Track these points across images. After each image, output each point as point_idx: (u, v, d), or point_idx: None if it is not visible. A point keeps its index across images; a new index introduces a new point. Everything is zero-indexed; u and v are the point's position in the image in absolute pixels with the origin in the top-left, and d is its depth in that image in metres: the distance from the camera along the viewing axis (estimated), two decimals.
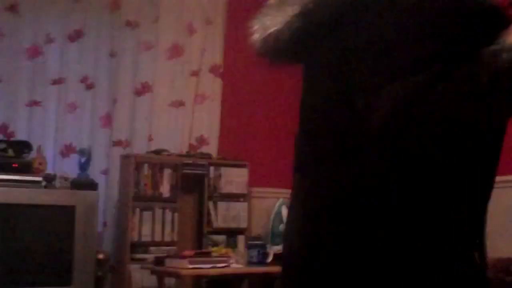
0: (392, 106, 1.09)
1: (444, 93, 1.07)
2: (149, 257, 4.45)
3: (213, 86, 5.01)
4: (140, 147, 4.89)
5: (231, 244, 4.84)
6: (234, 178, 4.93)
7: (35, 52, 4.78)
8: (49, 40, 4.82)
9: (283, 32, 1.22)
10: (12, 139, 4.57)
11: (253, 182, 5.06)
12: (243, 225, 4.96)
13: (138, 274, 4.47)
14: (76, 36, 4.91)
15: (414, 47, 1.10)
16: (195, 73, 4.92)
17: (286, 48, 1.25)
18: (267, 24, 1.25)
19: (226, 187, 4.90)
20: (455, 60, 1.08)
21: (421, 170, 1.13)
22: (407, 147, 1.12)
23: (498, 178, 1.23)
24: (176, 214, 4.69)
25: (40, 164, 4.36)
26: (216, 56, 4.99)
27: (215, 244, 4.75)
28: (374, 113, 1.10)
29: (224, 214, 4.88)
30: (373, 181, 1.14)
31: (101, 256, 4.36)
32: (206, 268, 4.09)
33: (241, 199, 5.00)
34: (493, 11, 1.13)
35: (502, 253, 3.42)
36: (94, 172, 4.72)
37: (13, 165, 4.25)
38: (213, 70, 4.96)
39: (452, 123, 1.10)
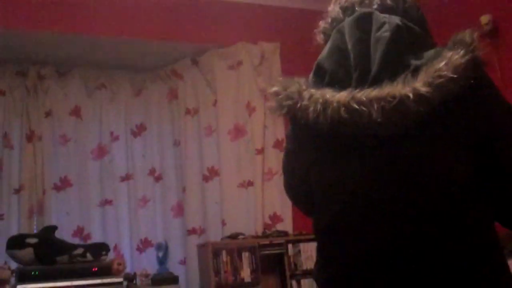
0: None
1: None
2: None
3: (278, 161, 4.91)
4: (214, 233, 4.79)
5: None
6: (315, 253, 4.76)
7: (101, 152, 4.84)
8: (114, 139, 4.89)
9: None
10: (89, 242, 4.58)
11: None
12: None
13: None
14: (139, 130, 4.97)
15: None
16: (260, 151, 4.85)
17: None
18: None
19: (308, 263, 4.72)
20: None
21: None
22: None
23: None
24: None
25: (119, 264, 4.32)
26: (277, 131, 4.91)
27: None
28: None
29: None
30: None
31: None
32: None
33: None
34: None
35: None
36: (171, 263, 4.67)
37: (93, 269, 4.23)
38: (276, 145, 4.88)
39: None
